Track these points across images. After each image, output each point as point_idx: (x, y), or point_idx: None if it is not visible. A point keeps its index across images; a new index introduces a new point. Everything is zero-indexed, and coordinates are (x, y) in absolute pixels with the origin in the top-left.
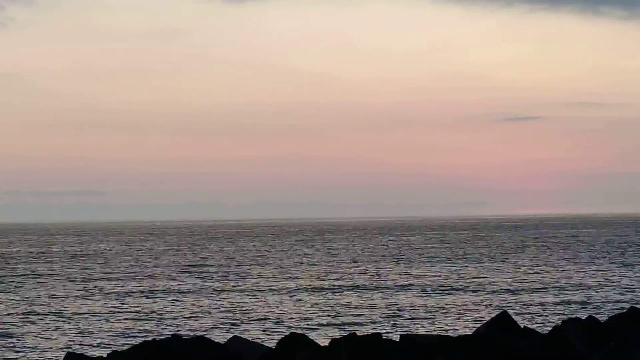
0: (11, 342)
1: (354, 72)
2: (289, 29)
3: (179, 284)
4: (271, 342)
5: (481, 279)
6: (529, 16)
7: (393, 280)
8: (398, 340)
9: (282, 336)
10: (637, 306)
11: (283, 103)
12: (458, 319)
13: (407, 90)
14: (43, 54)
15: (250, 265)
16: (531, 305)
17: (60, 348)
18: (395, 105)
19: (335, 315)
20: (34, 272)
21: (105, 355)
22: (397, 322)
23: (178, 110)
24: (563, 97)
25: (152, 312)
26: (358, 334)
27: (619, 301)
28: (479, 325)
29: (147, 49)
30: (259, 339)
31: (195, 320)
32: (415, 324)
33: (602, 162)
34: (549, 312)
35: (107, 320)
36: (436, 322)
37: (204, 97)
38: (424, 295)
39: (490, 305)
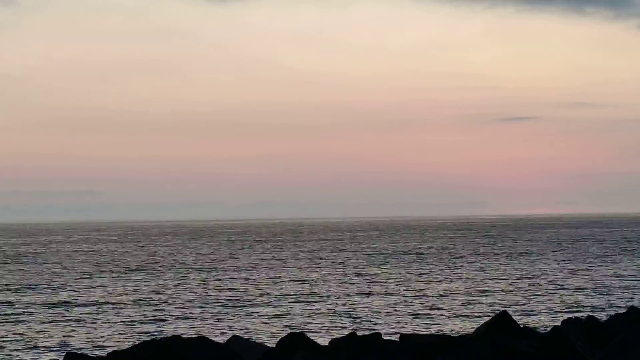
0: (11, 342)
1: (349, 71)
2: (276, 29)
3: (179, 284)
4: (271, 342)
5: (481, 279)
6: (516, 17)
7: (391, 280)
8: (398, 340)
9: (282, 336)
10: (637, 306)
11: (280, 102)
12: (458, 319)
13: (403, 90)
14: (30, 54)
15: (252, 264)
16: (531, 305)
17: (60, 348)
18: (392, 105)
19: (335, 315)
20: (40, 272)
21: (105, 355)
22: (397, 322)
23: (176, 110)
24: (556, 97)
25: (152, 312)
26: (358, 334)
27: (619, 301)
28: (479, 325)
29: (136, 49)
30: (259, 339)
31: (195, 320)
32: (415, 324)
33: (598, 162)
34: (549, 312)
35: (107, 320)
36: (436, 322)
37: (200, 96)
38: (424, 295)
39: (490, 305)
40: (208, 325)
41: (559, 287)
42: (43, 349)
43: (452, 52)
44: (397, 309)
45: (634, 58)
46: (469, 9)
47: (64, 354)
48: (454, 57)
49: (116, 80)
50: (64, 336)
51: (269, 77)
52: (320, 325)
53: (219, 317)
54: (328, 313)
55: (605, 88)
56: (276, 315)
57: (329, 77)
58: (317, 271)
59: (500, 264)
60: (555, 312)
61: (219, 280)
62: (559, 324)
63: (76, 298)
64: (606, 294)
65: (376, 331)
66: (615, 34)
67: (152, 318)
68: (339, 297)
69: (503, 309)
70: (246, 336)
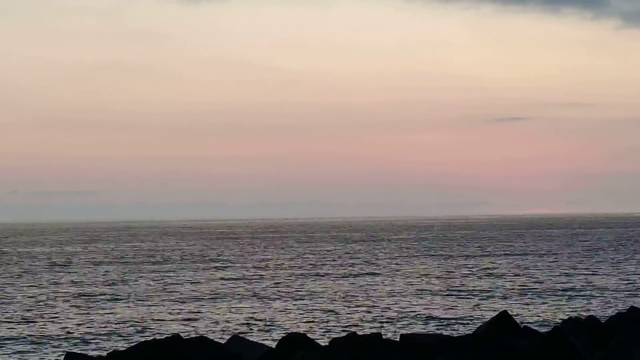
0: (11, 342)
1: (338, 71)
2: (257, 30)
3: (180, 284)
4: (271, 342)
5: (481, 279)
6: (495, 17)
7: (391, 279)
8: (398, 340)
9: (282, 336)
10: (637, 306)
11: (277, 103)
12: (458, 319)
13: (394, 90)
14: (10, 55)
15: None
16: (531, 305)
17: (60, 348)
18: (387, 105)
19: (335, 315)
20: (33, 271)
21: (105, 355)
22: (397, 322)
23: (169, 111)
24: (547, 98)
25: (152, 312)
26: (358, 334)
27: (619, 301)
28: (479, 325)
29: (115, 50)
30: (259, 339)
31: (195, 320)
32: (415, 324)
33: (596, 162)
34: (549, 312)
35: (107, 320)
36: (436, 322)
37: (191, 97)
38: (424, 295)
39: (490, 305)
40: (208, 325)
41: (560, 287)
42: (43, 348)
43: (435, 52)
44: (397, 309)
45: (616, 58)
46: (445, 10)
47: (64, 353)
48: (439, 57)
49: (100, 82)
50: (64, 335)
51: (261, 77)
52: (320, 325)
53: (219, 317)
54: (328, 313)
55: (593, 88)
56: (276, 315)
57: (320, 77)
58: (316, 271)
59: (500, 263)
60: (555, 312)
61: (220, 279)
62: (559, 324)
63: (75, 297)
64: (606, 294)
65: (376, 331)
66: (596, 35)
67: (152, 318)
68: (339, 297)
69: (503, 309)
70: (246, 336)
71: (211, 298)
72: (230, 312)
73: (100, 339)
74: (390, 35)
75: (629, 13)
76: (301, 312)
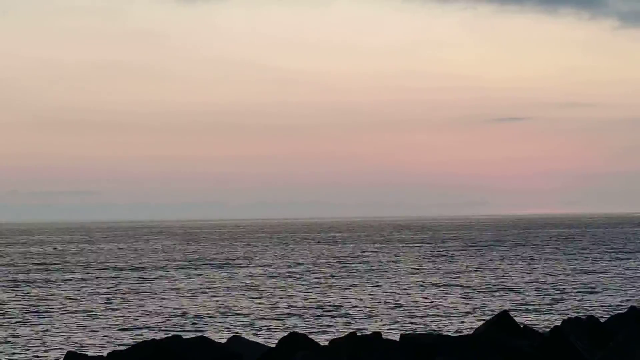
0: (11, 341)
1: (338, 71)
2: (255, 30)
3: (180, 283)
4: (271, 342)
5: (481, 279)
6: (496, 17)
7: (390, 279)
8: (398, 340)
9: (282, 336)
10: (637, 306)
11: (278, 103)
12: (458, 319)
13: (393, 90)
14: (12, 53)
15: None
16: (531, 305)
17: (61, 347)
18: (386, 105)
19: (335, 315)
20: (34, 270)
21: (105, 355)
22: (397, 322)
23: (169, 110)
24: (546, 98)
25: (152, 312)
26: (358, 334)
27: (619, 301)
28: (479, 325)
29: (113, 50)
30: (259, 339)
31: (195, 320)
32: (415, 324)
33: (596, 162)
34: (549, 312)
35: (107, 320)
36: (436, 322)
37: (190, 97)
38: (425, 295)
39: (490, 305)
40: (208, 325)
41: (559, 286)
42: (43, 348)
43: (435, 52)
44: (397, 309)
45: (614, 59)
46: (442, 10)
47: (64, 353)
48: (438, 57)
49: (100, 82)
50: (64, 335)
51: (261, 77)
52: (320, 325)
53: (219, 317)
54: (328, 313)
55: (591, 88)
56: (276, 315)
57: (320, 77)
58: (316, 271)
59: (500, 263)
60: (555, 312)
61: (220, 279)
62: (559, 324)
63: (75, 297)
64: (606, 294)
65: (376, 331)
66: (593, 35)
67: (152, 318)
68: (339, 297)
69: (503, 309)
70: (246, 336)
71: (211, 298)
72: (230, 312)
73: (101, 339)
74: (390, 35)
75: (626, 13)
76: (301, 312)
